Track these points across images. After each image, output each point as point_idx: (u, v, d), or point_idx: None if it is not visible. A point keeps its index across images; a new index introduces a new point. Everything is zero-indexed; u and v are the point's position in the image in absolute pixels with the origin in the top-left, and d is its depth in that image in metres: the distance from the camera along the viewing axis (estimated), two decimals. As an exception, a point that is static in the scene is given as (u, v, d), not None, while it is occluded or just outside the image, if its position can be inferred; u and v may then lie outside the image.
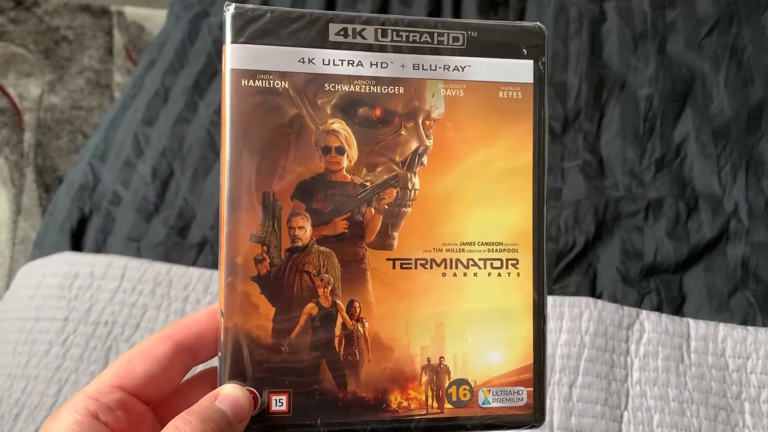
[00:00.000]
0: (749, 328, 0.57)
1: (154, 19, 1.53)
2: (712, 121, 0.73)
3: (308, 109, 0.28)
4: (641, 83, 0.77)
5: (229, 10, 0.28)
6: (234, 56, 0.28)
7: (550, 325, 0.56)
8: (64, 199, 0.68)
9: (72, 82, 1.45)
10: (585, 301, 0.58)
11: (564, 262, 0.63)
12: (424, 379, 0.29)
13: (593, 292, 0.61)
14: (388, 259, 0.29)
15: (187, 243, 0.64)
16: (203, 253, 0.63)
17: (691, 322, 0.58)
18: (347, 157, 0.28)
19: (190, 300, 0.59)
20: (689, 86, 0.77)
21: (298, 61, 0.28)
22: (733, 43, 0.80)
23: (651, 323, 0.57)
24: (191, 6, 0.84)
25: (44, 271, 0.61)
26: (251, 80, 0.28)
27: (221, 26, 0.81)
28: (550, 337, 0.56)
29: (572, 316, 0.57)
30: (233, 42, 0.28)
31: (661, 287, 0.61)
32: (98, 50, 1.50)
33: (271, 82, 0.28)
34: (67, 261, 0.61)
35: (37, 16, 1.52)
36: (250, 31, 0.28)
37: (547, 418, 0.53)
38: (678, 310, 0.60)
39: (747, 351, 0.56)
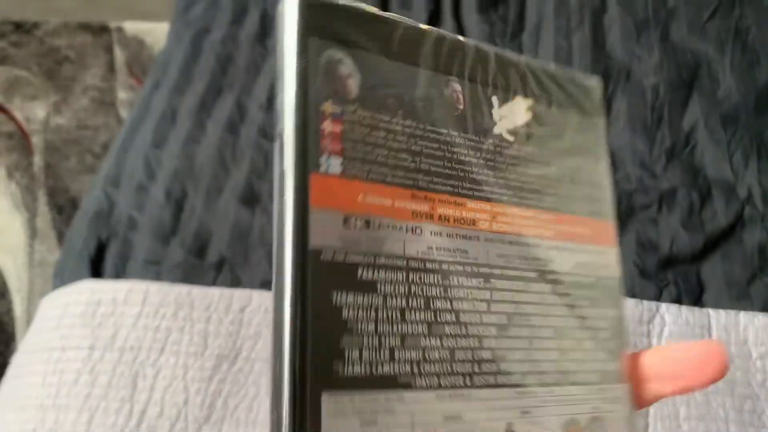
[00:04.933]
0: (759, 315, 0.57)
1: (154, 32, 1.54)
2: (720, 106, 0.73)
3: None
4: (646, 72, 0.76)
5: None
6: None
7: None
8: (81, 226, 0.69)
9: (77, 102, 1.45)
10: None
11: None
12: None
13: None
14: None
15: (205, 263, 0.64)
16: (222, 273, 0.64)
17: (711, 312, 0.58)
18: None
19: (212, 320, 0.60)
20: (695, 72, 0.76)
21: None
22: (736, 24, 0.80)
23: (671, 316, 0.57)
24: (192, 23, 0.85)
25: (67, 300, 0.62)
26: None
27: (223, 43, 0.82)
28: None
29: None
30: None
31: (679, 279, 0.61)
32: (100, 68, 1.51)
33: None
34: (88, 289, 0.62)
35: (37, 37, 1.53)
36: None
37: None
38: (697, 300, 0.60)
39: (760, 339, 0.56)
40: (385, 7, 0.85)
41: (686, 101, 0.74)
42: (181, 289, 0.61)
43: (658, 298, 0.60)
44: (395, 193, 0.22)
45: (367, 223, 0.21)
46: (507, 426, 0.22)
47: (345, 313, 0.20)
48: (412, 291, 0.22)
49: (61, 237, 1.29)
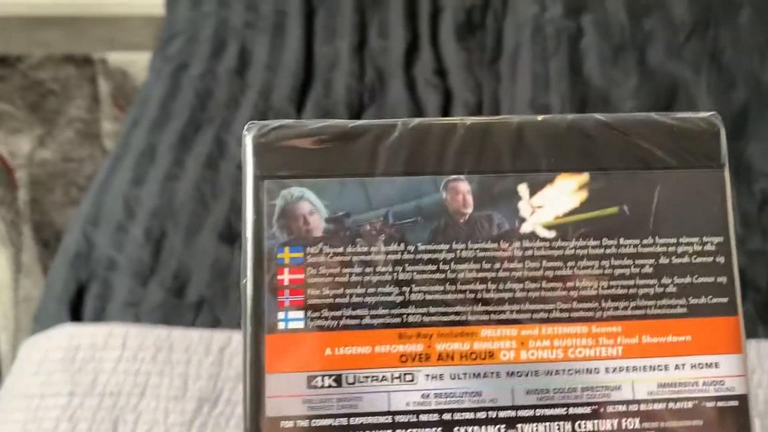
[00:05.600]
0: (752, 341, 0.57)
1: (138, 63, 1.54)
2: (697, 129, 0.73)
3: None
4: (624, 97, 0.77)
5: None
6: None
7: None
8: (61, 268, 0.69)
9: (61, 135, 1.45)
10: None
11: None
12: None
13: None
14: None
15: (185, 303, 0.64)
16: (202, 313, 0.63)
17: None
18: None
19: (192, 362, 0.59)
20: (672, 95, 0.77)
21: None
22: (712, 46, 0.80)
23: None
24: (171, 59, 0.85)
25: (46, 346, 0.62)
26: None
27: (202, 78, 0.82)
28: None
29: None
30: None
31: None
32: (85, 99, 1.51)
33: None
34: (67, 333, 0.62)
35: (20, 71, 1.53)
36: None
37: None
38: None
39: (751, 365, 0.56)
40: (362, 36, 0.85)
41: (664, 125, 0.74)
42: (161, 332, 0.61)
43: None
44: (376, 338, 0.19)
45: (338, 380, 0.19)
46: None
47: None
48: None
49: (46, 271, 1.28)
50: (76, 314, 0.65)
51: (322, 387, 0.19)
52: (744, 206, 0.66)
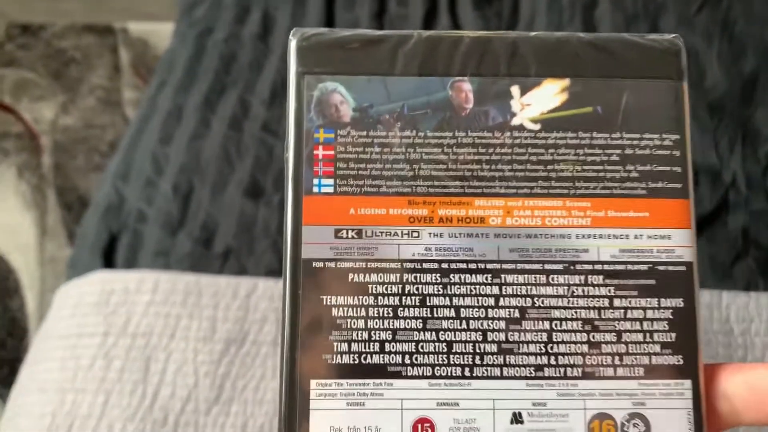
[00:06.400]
0: (751, 293, 0.60)
1: (158, 33, 1.57)
2: (707, 96, 0.75)
3: None
4: (635, 64, 0.79)
5: None
6: None
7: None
8: (93, 220, 0.72)
9: (83, 102, 1.49)
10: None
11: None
12: None
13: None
14: None
15: (212, 253, 0.67)
16: (229, 262, 0.67)
17: (696, 292, 0.60)
18: None
19: (220, 307, 0.62)
20: (683, 63, 0.79)
21: None
22: (724, 17, 0.82)
23: (658, 297, 0.60)
24: (196, 24, 0.87)
25: (81, 291, 0.65)
26: None
27: (226, 42, 0.84)
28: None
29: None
30: None
31: (666, 261, 0.64)
32: (106, 68, 1.54)
33: None
34: (101, 279, 0.65)
35: (44, 40, 1.56)
36: None
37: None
38: (683, 282, 0.63)
39: (750, 315, 0.59)
40: (382, 4, 0.88)
41: (674, 92, 0.76)
42: (190, 278, 0.64)
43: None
44: (390, 202, 0.24)
45: (359, 233, 0.24)
46: (513, 416, 0.23)
47: (334, 311, 0.23)
48: (407, 290, 0.24)
49: (70, 234, 1.32)
50: (108, 263, 0.69)
51: (346, 238, 0.24)
52: (749, 169, 0.69)
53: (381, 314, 0.24)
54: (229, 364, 0.60)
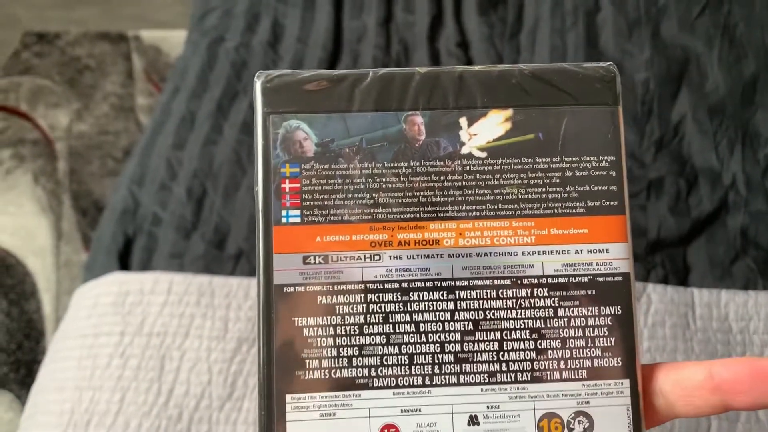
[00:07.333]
0: (750, 292, 0.61)
1: (170, 40, 1.60)
2: (707, 98, 0.77)
3: None
4: (637, 68, 0.81)
5: None
6: None
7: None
8: (109, 223, 0.74)
9: (97, 109, 1.52)
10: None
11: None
12: None
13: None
14: None
15: (225, 255, 0.69)
16: (240, 263, 0.69)
17: (695, 291, 0.62)
18: None
19: (232, 307, 0.65)
20: (684, 67, 0.80)
21: None
22: (725, 21, 0.83)
23: (657, 295, 0.61)
24: (208, 32, 0.90)
25: (98, 291, 0.67)
26: None
27: (237, 50, 0.87)
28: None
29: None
30: None
31: (666, 261, 0.65)
32: (119, 75, 1.57)
33: None
34: (117, 281, 0.67)
35: (59, 48, 1.59)
36: None
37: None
38: (683, 281, 0.64)
39: (749, 313, 0.60)
40: (388, 12, 0.90)
41: (675, 95, 0.78)
42: (203, 279, 0.66)
43: (645, 279, 0.64)
44: (353, 229, 0.26)
45: (325, 259, 0.26)
46: (470, 418, 0.26)
47: (305, 332, 0.26)
48: (370, 309, 0.26)
49: (85, 238, 1.35)
50: (124, 265, 0.71)
51: (314, 264, 0.26)
52: (749, 170, 0.70)
53: (348, 332, 0.26)
54: (241, 362, 0.62)
